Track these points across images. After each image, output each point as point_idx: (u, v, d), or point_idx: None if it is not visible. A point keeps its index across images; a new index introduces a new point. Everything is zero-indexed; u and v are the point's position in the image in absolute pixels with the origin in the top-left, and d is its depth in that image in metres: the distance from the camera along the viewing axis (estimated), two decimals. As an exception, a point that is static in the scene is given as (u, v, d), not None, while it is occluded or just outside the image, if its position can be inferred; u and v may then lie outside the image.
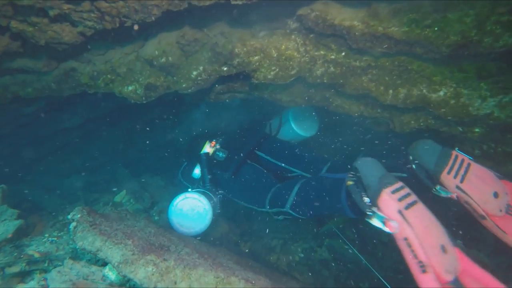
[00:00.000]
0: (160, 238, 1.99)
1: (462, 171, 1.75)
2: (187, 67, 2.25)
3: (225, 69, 2.22)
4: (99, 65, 2.42)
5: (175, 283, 1.43)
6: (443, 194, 1.84)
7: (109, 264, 1.64)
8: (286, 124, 3.07)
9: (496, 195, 1.72)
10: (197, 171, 2.83)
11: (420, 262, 1.48)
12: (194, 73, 2.23)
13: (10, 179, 3.78)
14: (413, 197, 1.69)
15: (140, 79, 2.35)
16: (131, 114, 4.48)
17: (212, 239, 3.33)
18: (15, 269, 1.97)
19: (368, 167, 1.84)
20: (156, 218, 3.74)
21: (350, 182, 1.87)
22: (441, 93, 1.87)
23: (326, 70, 2.11)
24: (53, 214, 3.21)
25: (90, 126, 4.40)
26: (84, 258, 1.97)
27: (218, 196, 2.70)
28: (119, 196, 4.34)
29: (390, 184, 1.69)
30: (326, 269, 3.15)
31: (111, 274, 1.67)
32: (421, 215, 1.63)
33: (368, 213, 1.69)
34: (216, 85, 2.71)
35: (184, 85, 2.28)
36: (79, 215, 1.90)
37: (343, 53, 2.05)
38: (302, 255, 3.34)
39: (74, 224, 1.84)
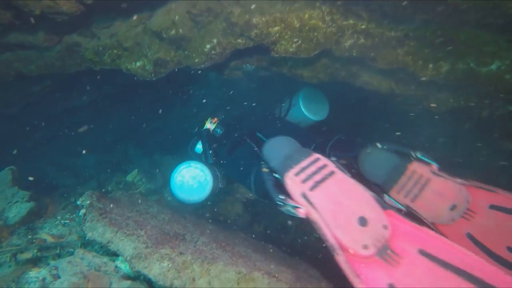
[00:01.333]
0: (175, 226, 1.88)
1: (415, 190, 1.68)
2: (200, 40, 2.04)
3: (241, 41, 2.00)
4: (104, 39, 2.23)
5: (194, 280, 1.31)
6: (393, 203, 1.77)
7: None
8: (296, 106, 2.95)
9: (453, 207, 1.66)
10: (199, 146, 2.92)
11: (331, 245, 1.43)
12: (208, 46, 2.02)
13: (21, 159, 3.74)
14: (326, 171, 1.59)
15: (149, 54, 2.15)
16: (142, 91, 4.32)
17: (224, 219, 3.26)
18: (27, 255, 1.91)
19: (271, 150, 1.78)
20: (169, 198, 3.68)
21: (265, 169, 1.80)
22: (494, 66, 1.63)
23: (355, 42, 1.88)
24: (65, 195, 3.16)
25: (100, 104, 4.28)
26: (96, 246, 1.89)
27: (223, 173, 2.73)
28: (131, 175, 4.30)
29: (295, 164, 1.61)
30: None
31: (123, 265, 1.57)
32: (330, 192, 1.53)
33: (277, 202, 1.60)
34: (231, 60, 2.49)
35: (196, 60, 2.08)
36: (88, 201, 1.80)
37: (375, 23, 1.80)
38: (317, 235, 3.25)
39: (83, 211, 1.74)
